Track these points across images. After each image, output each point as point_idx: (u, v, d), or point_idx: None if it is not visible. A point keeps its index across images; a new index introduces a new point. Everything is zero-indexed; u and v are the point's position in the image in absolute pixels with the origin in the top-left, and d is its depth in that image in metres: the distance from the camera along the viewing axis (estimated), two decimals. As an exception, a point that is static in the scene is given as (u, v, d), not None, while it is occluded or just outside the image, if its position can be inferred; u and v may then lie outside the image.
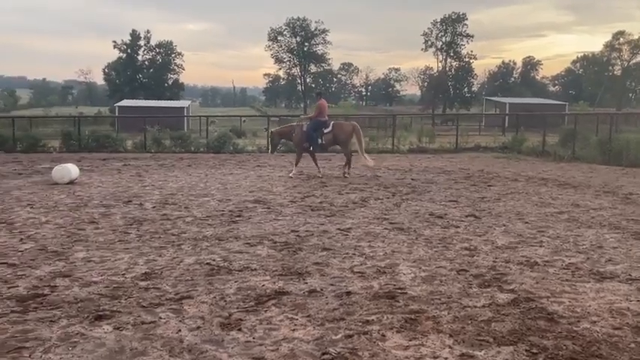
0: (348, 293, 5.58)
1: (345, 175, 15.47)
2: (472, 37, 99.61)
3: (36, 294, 5.54)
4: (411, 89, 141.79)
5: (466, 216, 9.81)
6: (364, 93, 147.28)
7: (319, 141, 15.59)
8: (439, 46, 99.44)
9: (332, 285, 5.85)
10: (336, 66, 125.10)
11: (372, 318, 4.92)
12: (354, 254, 7.14)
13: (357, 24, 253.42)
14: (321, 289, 5.70)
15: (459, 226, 8.93)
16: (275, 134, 16.46)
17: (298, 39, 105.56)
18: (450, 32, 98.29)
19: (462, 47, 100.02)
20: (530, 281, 6.04)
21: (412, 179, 15.01)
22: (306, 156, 16.58)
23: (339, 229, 8.67)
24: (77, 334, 4.56)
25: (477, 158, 22.41)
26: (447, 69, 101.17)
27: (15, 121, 28.80)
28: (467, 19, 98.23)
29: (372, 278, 6.10)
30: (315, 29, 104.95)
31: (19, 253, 7.14)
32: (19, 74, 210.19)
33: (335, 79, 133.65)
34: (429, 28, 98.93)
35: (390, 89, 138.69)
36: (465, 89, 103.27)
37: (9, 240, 7.89)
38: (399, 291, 5.65)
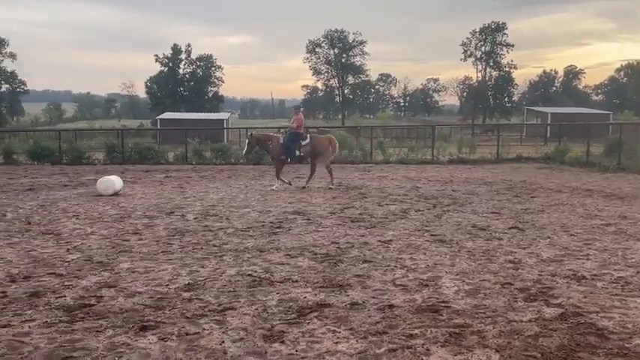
0: (391, 306, 5.52)
1: (330, 187, 15.44)
2: (512, 46, 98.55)
3: (83, 304, 5.64)
4: (449, 99, 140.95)
5: (509, 228, 9.63)
6: (402, 103, 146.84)
7: (297, 152, 15.54)
8: (478, 56, 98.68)
9: (374, 298, 5.80)
10: (374, 77, 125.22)
11: (415, 332, 4.85)
12: (396, 267, 7.07)
13: (395, 35, 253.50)
14: (363, 302, 5.66)
15: (502, 239, 8.77)
16: (253, 138, 16.01)
17: (336, 50, 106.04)
18: (489, 42, 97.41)
19: (502, 57, 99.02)
20: (578, 295, 5.88)
21: (453, 190, 14.84)
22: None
23: (379, 240, 8.61)
24: (123, 344, 4.63)
25: (518, 169, 22.02)
26: (487, 79, 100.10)
27: (61, 134, 29.58)
28: (507, 28, 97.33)
29: (415, 291, 6.03)
30: (353, 41, 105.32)
31: (66, 264, 7.30)
32: (65, 88, 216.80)
33: (373, 90, 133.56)
34: (468, 38, 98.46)
35: (429, 99, 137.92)
36: (506, 99, 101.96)
37: (56, 250, 8.08)
38: (443, 304, 5.57)
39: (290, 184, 15.78)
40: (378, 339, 4.71)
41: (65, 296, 5.91)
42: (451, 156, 26.07)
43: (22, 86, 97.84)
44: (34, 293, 6.00)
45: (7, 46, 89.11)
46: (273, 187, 15.31)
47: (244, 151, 16.76)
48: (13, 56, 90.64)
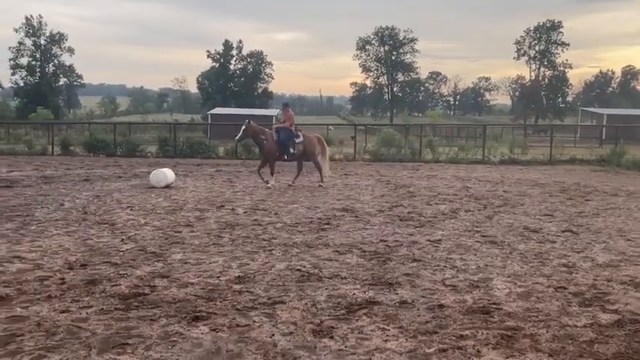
0: (441, 306, 5.47)
1: (320, 185, 15.26)
2: (568, 45, 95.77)
3: (137, 293, 5.79)
4: (501, 99, 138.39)
5: (563, 231, 9.40)
6: (452, 102, 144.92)
7: (291, 150, 15.20)
8: (532, 55, 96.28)
9: (423, 297, 5.76)
10: (424, 75, 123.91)
11: (466, 333, 4.80)
12: (446, 267, 7.00)
13: (446, 32, 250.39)
14: (413, 301, 5.62)
15: (555, 242, 8.57)
16: (250, 127, 15.08)
17: (386, 48, 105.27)
18: (544, 40, 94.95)
19: (557, 56, 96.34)
20: (636, 302, 5.70)
21: (504, 191, 14.57)
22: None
23: (428, 240, 8.54)
24: (176, 333, 4.73)
25: (572, 171, 21.45)
26: (540, 78, 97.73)
27: (116, 127, 30.37)
28: (562, 26, 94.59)
29: (465, 292, 5.96)
30: (404, 38, 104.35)
31: (121, 253, 7.50)
32: (119, 82, 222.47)
33: (422, 88, 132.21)
34: (521, 37, 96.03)
35: (480, 99, 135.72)
36: (559, 99, 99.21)
37: (111, 240, 8.31)
38: (494, 306, 5.49)
39: (267, 182, 14.96)
40: (428, 338, 4.67)
41: (120, 285, 6.08)
42: (502, 156, 25.59)
43: (79, 80, 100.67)
44: (90, 281, 6.19)
45: (65, 41, 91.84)
46: (268, 185, 14.76)
47: (237, 137, 15.55)
48: (71, 51, 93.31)
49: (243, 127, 15.07)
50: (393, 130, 32.73)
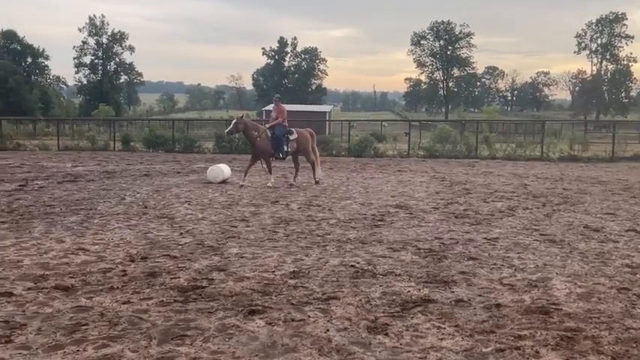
0: (498, 305, 5.38)
1: (317, 182, 14.75)
2: (632, 38, 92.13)
3: (195, 286, 5.93)
4: (560, 94, 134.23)
5: (626, 230, 9.08)
6: (509, 98, 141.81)
7: (285, 148, 14.49)
8: (594, 49, 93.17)
9: (480, 296, 5.68)
10: (480, 69, 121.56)
11: (524, 333, 4.70)
12: (503, 265, 6.87)
13: (503, 26, 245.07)
14: (469, 300, 5.55)
15: (618, 241, 8.28)
16: (242, 122, 14.36)
17: (442, 42, 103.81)
18: (606, 33, 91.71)
19: (620, 49, 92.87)
20: None
21: (564, 189, 14.18)
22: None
23: (485, 238, 8.40)
24: (233, 326, 4.82)
25: (636, 169, 20.67)
26: (603, 72, 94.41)
27: (174, 124, 31.07)
28: (626, 18, 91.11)
29: (523, 291, 5.84)
30: (460, 32, 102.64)
31: (180, 247, 7.69)
32: (177, 80, 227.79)
33: (479, 83, 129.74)
34: (583, 30, 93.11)
35: (538, 94, 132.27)
36: (622, 94, 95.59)
37: (170, 234, 8.52)
38: (553, 306, 5.35)
39: (242, 184, 14.10)
40: (485, 338, 4.60)
41: (179, 277, 6.23)
42: (562, 153, 24.90)
43: (139, 77, 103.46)
44: (150, 273, 6.37)
45: (126, 40, 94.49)
46: (268, 184, 14.16)
47: (227, 130, 15.02)
48: (131, 49, 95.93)
49: (235, 120, 14.58)
50: (448, 126, 32.31)
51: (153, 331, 4.68)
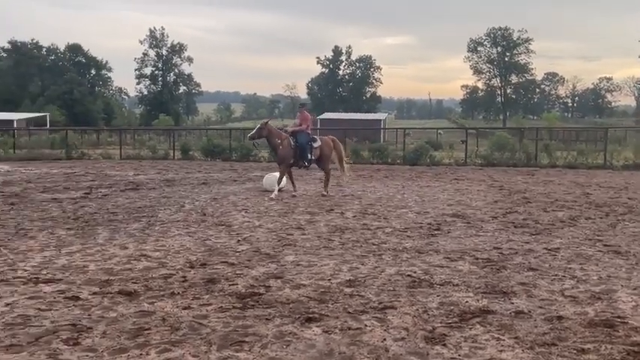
0: (559, 318, 5.24)
1: (323, 195, 14.05)
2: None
3: (253, 292, 6.01)
4: (624, 100, 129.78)
5: (697, 242, 8.69)
6: (570, 104, 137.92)
7: (309, 157, 14.03)
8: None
9: (541, 307, 5.54)
10: (539, 76, 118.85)
11: (587, 347, 4.56)
12: (564, 276, 6.69)
13: (562, 31, 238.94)
14: (529, 311, 5.42)
15: (688, 253, 7.93)
16: (266, 128, 14.10)
17: (499, 49, 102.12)
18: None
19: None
20: None
21: (629, 198, 13.67)
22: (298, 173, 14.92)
23: (545, 248, 8.19)
24: (290, 333, 4.86)
25: None
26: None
27: (231, 133, 31.62)
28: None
29: (586, 304, 5.66)
30: (518, 38, 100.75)
31: (237, 254, 7.81)
32: (234, 89, 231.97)
33: (538, 90, 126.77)
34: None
35: (600, 100, 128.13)
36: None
37: (228, 241, 8.68)
38: (619, 320, 5.17)
39: (275, 196, 13.59)
40: (546, 350, 4.49)
41: (237, 284, 6.33)
42: (626, 161, 23.99)
43: (197, 88, 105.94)
44: (209, 279, 6.50)
45: (185, 51, 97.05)
46: (272, 196, 13.53)
47: (249, 135, 14.79)
48: (190, 60, 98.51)
49: (259, 125, 14.45)
50: (506, 133, 31.70)
51: (212, 336, 4.78)
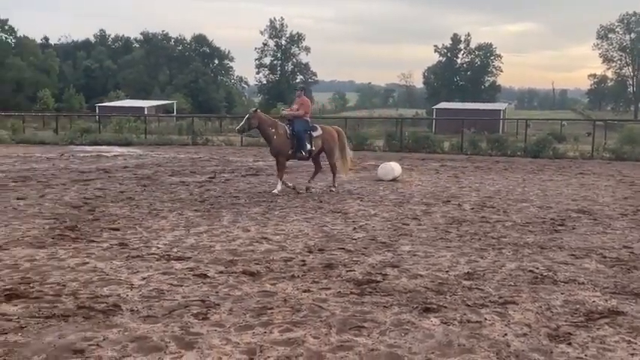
0: (700, 325, 4.87)
1: (331, 190, 12.80)
2: None
3: (370, 279, 6.09)
4: None
5: None
6: None
7: (308, 147, 12.48)
8: None
9: (678, 312, 5.18)
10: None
11: None
12: None
13: None
14: (664, 315, 5.09)
15: None
16: (256, 117, 12.39)
17: (632, 36, 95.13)
18: None
19: None
20: None
21: None
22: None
23: (683, 250, 7.61)
24: (408, 322, 4.89)
25: None
26: None
27: (347, 122, 31.91)
28: None
29: None
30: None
31: (354, 241, 7.93)
32: (348, 79, 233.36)
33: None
34: None
35: None
36: None
37: (344, 228, 8.82)
38: None
39: (294, 188, 12.68)
40: (684, 358, 4.21)
41: (354, 270, 6.44)
42: None
43: (313, 77, 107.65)
44: (327, 265, 6.66)
45: (303, 41, 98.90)
46: (275, 191, 12.30)
47: (238, 127, 12.91)
48: (307, 50, 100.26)
49: (247, 115, 12.67)
50: (638, 126, 29.57)
51: (332, 319, 4.90)
